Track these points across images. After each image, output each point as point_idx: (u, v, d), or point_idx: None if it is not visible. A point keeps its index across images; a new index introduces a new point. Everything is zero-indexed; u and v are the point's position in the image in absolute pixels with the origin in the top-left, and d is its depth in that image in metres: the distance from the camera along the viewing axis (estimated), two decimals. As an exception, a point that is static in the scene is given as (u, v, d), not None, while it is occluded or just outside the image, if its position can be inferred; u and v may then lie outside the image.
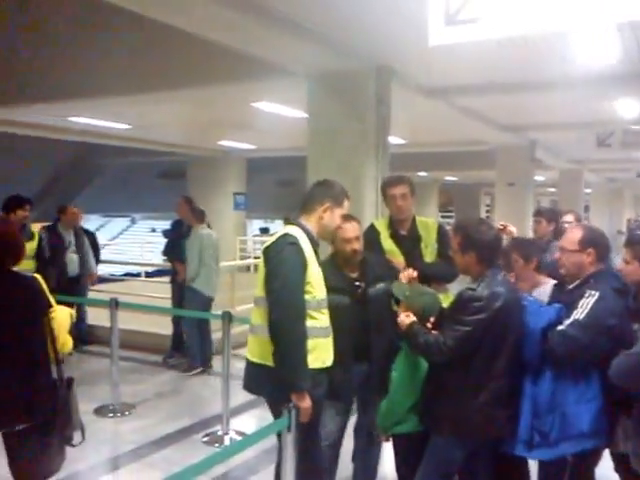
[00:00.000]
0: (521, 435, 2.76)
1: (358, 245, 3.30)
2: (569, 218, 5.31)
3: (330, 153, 6.35)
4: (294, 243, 2.84)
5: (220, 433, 4.92)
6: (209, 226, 7.04)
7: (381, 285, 3.31)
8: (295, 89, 6.95)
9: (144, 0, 4.69)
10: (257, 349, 2.91)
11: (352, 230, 3.28)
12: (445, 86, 7.59)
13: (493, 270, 2.84)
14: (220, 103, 8.83)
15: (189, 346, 6.79)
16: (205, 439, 4.89)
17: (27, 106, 8.49)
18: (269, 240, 2.97)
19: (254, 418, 5.43)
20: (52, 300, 3.03)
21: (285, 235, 2.88)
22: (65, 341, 3.03)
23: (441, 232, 3.99)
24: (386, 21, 4.93)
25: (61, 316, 3.02)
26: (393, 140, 8.61)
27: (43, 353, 2.90)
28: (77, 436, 3.06)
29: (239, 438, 4.86)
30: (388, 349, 3.19)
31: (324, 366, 2.91)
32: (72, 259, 7.17)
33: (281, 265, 2.79)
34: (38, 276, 3.06)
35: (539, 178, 19.24)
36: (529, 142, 12.38)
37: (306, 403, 2.75)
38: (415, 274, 3.24)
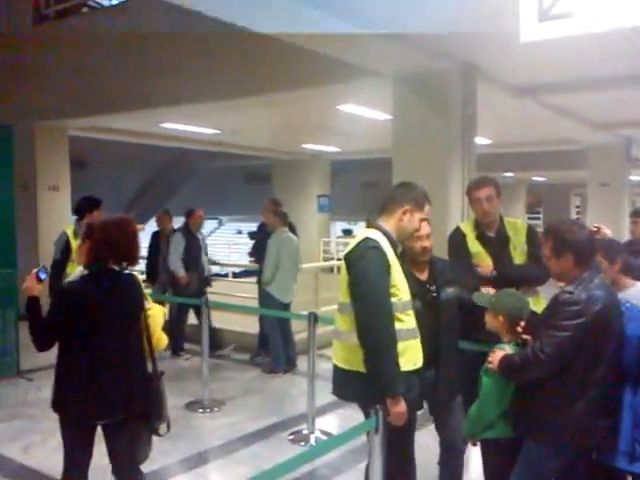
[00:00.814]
0: (622, 447, 2.63)
1: (429, 243, 3.23)
2: None
3: (415, 154, 6.30)
4: (375, 247, 2.81)
5: (306, 432, 4.98)
6: (292, 229, 7.11)
7: (451, 289, 3.25)
8: (380, 91, 6.93)
9: (231, 8, 4.78)
10: (345, 355, 2.89)
11: (423, 227, 3.19)
12: (535, 84, 7.37)
13: (590, 272, 2.73)
14: (306, 107, 8.93)
15: (273, 349, 6.88)
16: (291, 437, 4.96)
17: (124, 114, 8.88)
18: (349, 245, 2.96)
19: (339, 418, 5.45)
20: (148, 297, 3.17)
21: (366, 239, 2.85)
22: (160, 337, 3.17)
23: (531, 233, 3.87)
24: (474, 18, 4.84)
25: (157, 314, 3.17)
26: (479, 140, 8.43)
27: (140, 348, 3.04)
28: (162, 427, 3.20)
29: (324, 437, 4.92)
30: (456, 355, 3.16)
31: (415, 368, 2.88)
32: (206, 261, 7.45)
33: (365, 270, 2.77)
34: (136, 273, 3.20)
35: (635, 178, 18.30)
36: (624, 140, 11.80)
37: (401, 407, 2.73)
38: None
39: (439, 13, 4.75)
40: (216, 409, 5.61)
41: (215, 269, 14.54)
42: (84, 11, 10.27)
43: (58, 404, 2.95)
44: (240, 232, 30.01)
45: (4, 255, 6.31)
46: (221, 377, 6.54)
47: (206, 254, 7.58)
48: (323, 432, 5.01)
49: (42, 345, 2.88)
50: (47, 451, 4.58)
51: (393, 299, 2.80)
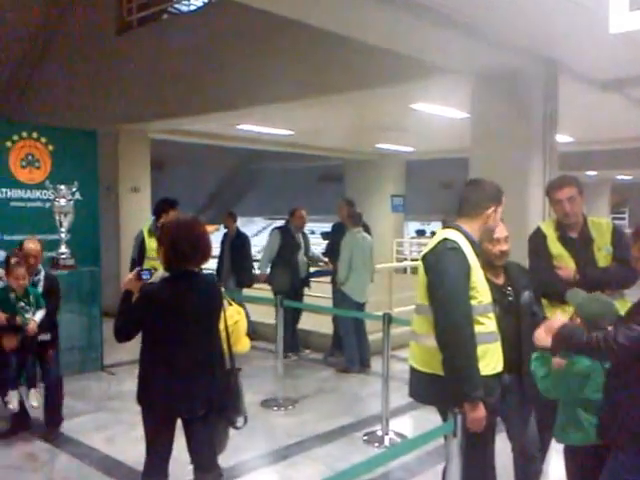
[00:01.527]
0: None
1: (507, 246, 3.12)
2: None
3: (494, 153, 6.13)
4: (454, 248, 2.74)
5: (380, 433, 4.95)
6: (367, 229, 7.09)
7: (527, 293, 3.14)
8: (457, 89, 6.82)
9: (305, 8, 4.80)
10: (422, 357, 2.85)
11: (501, 230, 3.08)
12: (622, 77, 7.04)
13: None
14: (379, 106, 8.88)
15: (346, 349, 6.88)
16: (365, 438, 4.95)
17: (202, 116, 9.09)
18: (427, 246, 2.90)
19: (413, 420, 5.41)
20: (226, 297, 3.23)
21: (444, 240, 2.79)
22: (244, 342, 3.25)
23: (617, 234, 3.68)
24: (557, 11, 4.67)
25: (241, 319, 3.25)
26: (561, 138, 8.15)
27: (219, 345, 3.11)
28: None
29: (398, 439, 4.88)
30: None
31: (495, 372, 2.80)
32: (303, 261, 7.45)
33: (443, 272, 2.71)
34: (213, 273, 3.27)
35: None
36: None
37: (479, 413, 2.65)
38: None
39: (520, 9, 4.62)
40: (290, 407, 5.66)
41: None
42: (164, 18, 10.59)
43: (141, 398, 3.04)
44: (313, 232, 30.27)
45: (89, 254, 6.56)
46: (295, 375, 6.61)
47: (306, 255, 7.53)
48: (397, 434, 4.96)
49: (120, 336, 2.98)
50: (129, 442, 4.75)
51: (472, 302, 2.73)
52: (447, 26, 4.86)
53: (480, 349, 2.70)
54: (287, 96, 7.82)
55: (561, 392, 2.77)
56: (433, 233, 3.18)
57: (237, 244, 7.92)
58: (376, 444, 4.84)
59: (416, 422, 5.34)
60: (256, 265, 7.85)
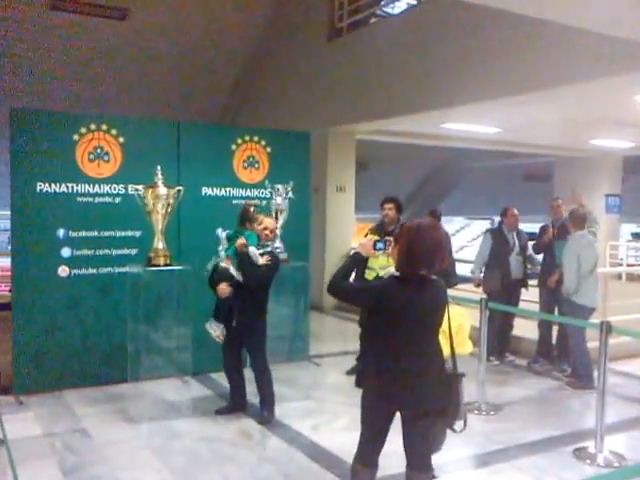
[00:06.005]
0: None
1: None
2: None
3: None
4: None
5: (592, 450, 4.63)
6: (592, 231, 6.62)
7: None
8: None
9: (538, 3, 4.59)
10: None
11: None
12: None
13: None
14: (597, 99, 8.27)
15: (579, 362, 6.26)
16: (575, 453, 4.66)
17: (408, 116, 9.16)
18: None
19: (631, 439, 5.02)
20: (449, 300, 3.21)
21: None
22: (468, 344, 3.23)
23: None
24: None
25: (466, 321, 3.23)
26: None
27: (439, 347, 3.11)
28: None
29: (614, 459, 4.54)
30: None
31: None
32: (517, 261, 7.25)
33: None
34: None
35: None
36: None
37: None
38: None
39: None
40: (492, 412, 5.52)
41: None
42: (372, 22, 10.84)
43: (364, 392, 3.15)
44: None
45: (300, 250, 6.88)
46: (498, 381, 6.43)
47: (520, 255, 7.24)
48: (613, 453, 4.61)
49: (333, 290, 3.09)
50: (333, 432, 4.94)
51: None
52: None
53: None
54: (493, 94, 7.59)
55: None
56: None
57: None
58: (588, 461, 4.54)
59: (634, 442, 4.94)
60: (470, 268, 7.72)
